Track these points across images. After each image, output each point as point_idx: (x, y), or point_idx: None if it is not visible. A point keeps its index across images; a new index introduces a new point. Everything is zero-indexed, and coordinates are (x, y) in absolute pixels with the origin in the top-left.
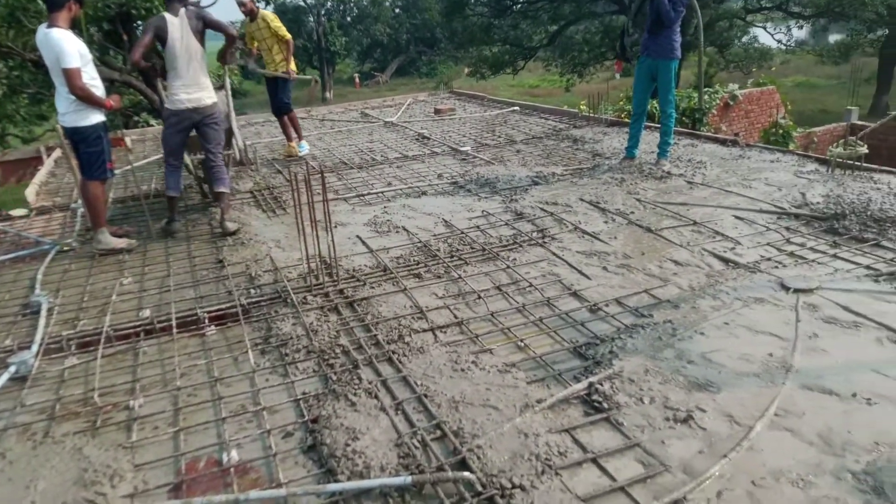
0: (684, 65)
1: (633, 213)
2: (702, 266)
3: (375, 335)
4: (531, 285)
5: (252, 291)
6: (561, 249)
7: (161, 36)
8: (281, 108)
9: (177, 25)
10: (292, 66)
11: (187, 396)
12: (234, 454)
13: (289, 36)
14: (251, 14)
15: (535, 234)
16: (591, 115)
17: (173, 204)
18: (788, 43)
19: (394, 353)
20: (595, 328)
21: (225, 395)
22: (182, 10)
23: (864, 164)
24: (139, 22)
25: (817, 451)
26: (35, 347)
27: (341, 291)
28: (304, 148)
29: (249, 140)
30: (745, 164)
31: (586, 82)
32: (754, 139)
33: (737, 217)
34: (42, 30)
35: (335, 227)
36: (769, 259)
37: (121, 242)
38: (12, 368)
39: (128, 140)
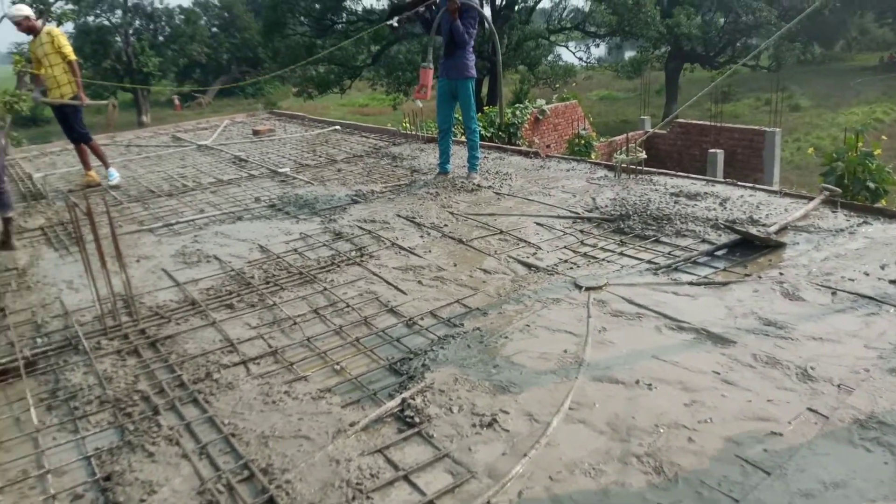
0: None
1: (446, 225)
2: (508, 272)
3: (180, 375)
4: (349, 306)
5: (38, 341)
6: (378, 267)
7: None
8: (78, 138)
9: None
10: (82, 91)
11: None
12: None
13: (73, 56)
14: (32, 31)
15: (353, 254)
16: (411, 132)
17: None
18: (588, 60)
19: (199, 392)
20: (410, 343)
21: (3, 462)
22: None
23: (645, 168)
24: None
25: (607, 438)
26: None
27: (142, 331)
28: (114, 176)
29: (41, 171)
30: (545, 173)
31: (412, 100)
32: (562, 150)
33: (538, 224)
34: None
35: (138, 260)
36: (566, 261)
37: None
38: None
39: None
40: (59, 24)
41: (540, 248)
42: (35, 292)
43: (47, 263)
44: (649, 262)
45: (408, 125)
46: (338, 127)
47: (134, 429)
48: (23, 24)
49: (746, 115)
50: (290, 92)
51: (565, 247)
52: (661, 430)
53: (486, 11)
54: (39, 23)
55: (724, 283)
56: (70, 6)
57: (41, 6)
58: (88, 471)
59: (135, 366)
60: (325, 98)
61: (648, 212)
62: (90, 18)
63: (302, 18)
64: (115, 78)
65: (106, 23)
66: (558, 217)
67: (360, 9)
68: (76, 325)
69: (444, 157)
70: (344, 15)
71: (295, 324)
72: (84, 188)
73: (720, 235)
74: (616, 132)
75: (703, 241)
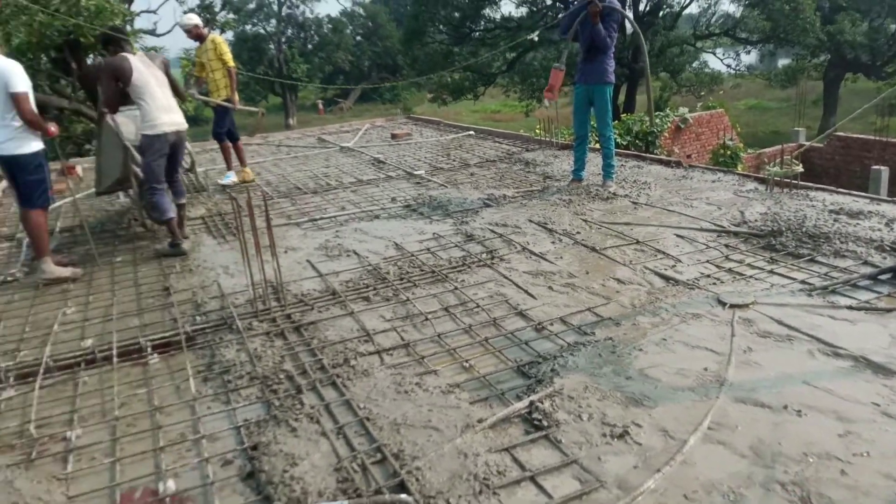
0: (639, 89)
1: (579, 233)
2: (643, 284)
3: (321, 359)
4: (478, 306)
5: (197, 318)
6: (509, 270)
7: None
8: (218, 136)
9: (138, 59)
10: (236, 95)
11: (126, 426)
12: (171, 484)
13: (233, 63)
14: (200, 38)
15: (483, 256)
16: (544, 138)
17: (172, 226)
18: (737, 67)
19: (338, 376)
20: (539, 347)
21: (164, 425)
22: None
23: (801, 182)
24: (88, 50)
25: (748, 463)
26: None
27: (288, 316)
28: (230, 177)
29: (203, 167)
30: (687, 184)
31: (545, 107)
32: (705, 160)
33: (678, 236)
34: None
35: (286, 251)
36: (708, 276)
37: (65, 271)
38: None
39: (79, 168)
40: (222, 32)
41: (680, 261)
42: (196, 275)
43: (207, 249)
44: (803, 282)
45: (541, 131)
46: (472, 132)
47: (279, 405)
48: (192, 32)
49: None
50: (426, 98)
51: (708, 261)
52: (811, 460)
53: (630, 16)
54: (206, 31)
55: (889, 310)
56: (232, 16)
57: (208, 16)
58: (238, 439)
59: (281, 347)
60: (457, 104)
61: (804, 229)
62: (248, 27)
63: (441, 27)
64: (267, 83)
65: (262, 31)
66: (701, 230)
67: (498, 16)
68: (231, 306)
69: (579, 164)
70: (482, 23)
71: (426, 319)
72: (241, 183)
73: (885, 258)
74: (765, 144)
75: (865, 262)
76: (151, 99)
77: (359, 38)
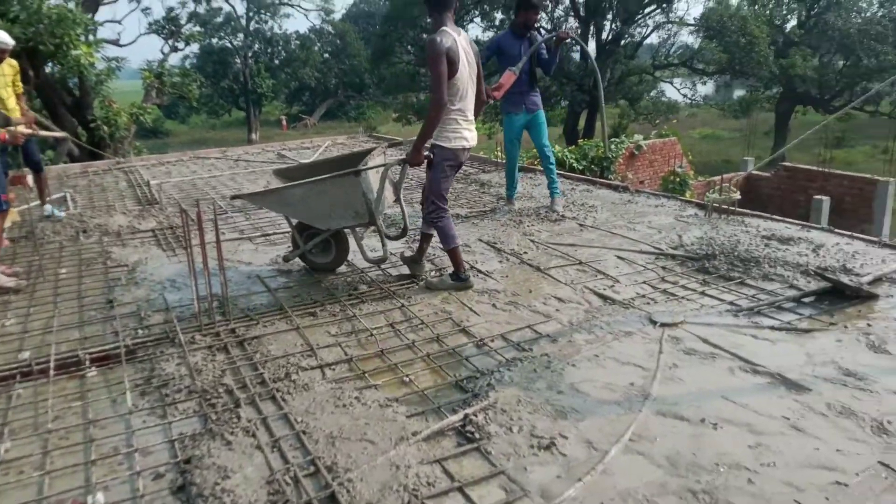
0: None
1: (526, 253)
2: (582, 303)
3: (262, 373)
4: (423, 322)
5: (139, 332)
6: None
7: (452, 58)
8: (38, 165)
9: (462, 41)
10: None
11: (58, 440)
12: (100, 497)
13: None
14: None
15: (432, 274)
16: (501, 160)
17: (460, 256)
18: (694, 97)
19: (278, 390)
20: (478, 363)
21: (98, 438)
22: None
23: (737, 209)
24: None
25: (664, 472)
26: None
27: (233, 331)
28: (56, 210)
29: (157, 179)
30: (632, 208)
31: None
32: (656, 186)
33: (619, 257)
34: None
35: (236, 266)
36: (643, 296)
37: (9, 281)
38: None
39: (30, 178)
40: (186, 44)
41: (618, 282)
42: (142, 288)
43: (155, 262)
44: (731, 303)
45: (499, 154)
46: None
47: (216, 418)
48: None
49: (861, 163)
50: (391, 117)
51: (644, 282)
52: (722, 470)
53: (592, 45)
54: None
55: (808, 331)
56: (198, 28)
57: (173, 28)
58: (171, 453)
59: (223, 361)
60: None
61: (736, 253)
62: (214, 40)
63: (409, 48)
64: (230, 97)
65: (228, 45)
66: (640, 252)
67: None
68: (175, 320)
69: (515, 185)
70: None
71: (371, 335)
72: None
73: (809, 282)
74: (717, 172)
75: (791, 286)
76: (464, 106)
77: (326, 55)
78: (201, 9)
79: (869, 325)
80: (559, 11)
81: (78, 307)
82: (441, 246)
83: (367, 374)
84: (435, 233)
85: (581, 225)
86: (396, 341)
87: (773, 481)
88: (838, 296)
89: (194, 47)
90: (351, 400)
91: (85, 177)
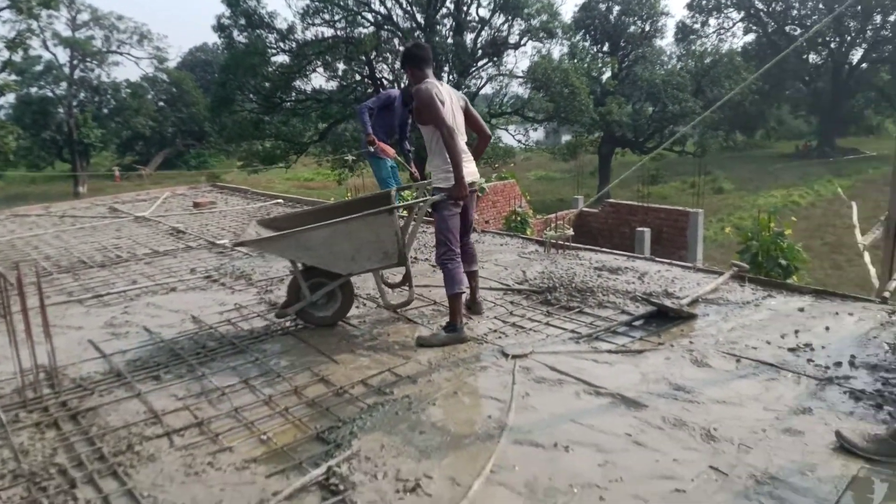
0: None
1: (381, 297)
2: None
3: (100, 448)
4: (279, 375)
5: None
6: (313, 336)
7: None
8: None
9: (446, 88)
10: None
11: None
12: None
13: None
14: None
15: (287, 324)
16: None
17: (461, 305)
18: (527, 142)
19: (120, 465)
20: (340, 411)
21: None
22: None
23: (572, 244)
24: None
25: (524, 499)
26: None
27: (64, 404)
28: None
29: None
30: (479, 247)
31: (357, 176)
32: (500, 226)
33: None
34: None
35: (65, 332)
36: (495, 330)
37: None
38: None
39: None
40: (1, 94)
41: (471, 318)
42: None
43: None
44: (572, 331)
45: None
46: (280, 200)
47: (49, 503)
48: None
49: (673, 197)
50: (235, 165)
51: (496, 317)
52: (575, 490)
53: None
54: None
55: (640, 351)
56: (14, 77)
57: None
58: None
59: (53, 438)
60: (269, 172)
61: (573, 284)
62: (33, 90)
63: (252, 96)
64: (53, 148)
65: (49, 94)
66: (490, 289)
67: (309, 88)
68: None
69: None
70: (293, 94)
71: (223, 394)
72: None
73: (638, 307)
74: (552, 210)
75: (623, 311)
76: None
77: (161, 103)
78: (17, 57)
79: (691, 342)
80: (398, 64)
81: None
82: (445, 290)
83: (220, 437)
84: (460, 292)
85: (433, 266)
86: (251, 397)
87: (621, 495)
88: (663, 318)
89: (10, 97)
90: (203, 466)
91: None
